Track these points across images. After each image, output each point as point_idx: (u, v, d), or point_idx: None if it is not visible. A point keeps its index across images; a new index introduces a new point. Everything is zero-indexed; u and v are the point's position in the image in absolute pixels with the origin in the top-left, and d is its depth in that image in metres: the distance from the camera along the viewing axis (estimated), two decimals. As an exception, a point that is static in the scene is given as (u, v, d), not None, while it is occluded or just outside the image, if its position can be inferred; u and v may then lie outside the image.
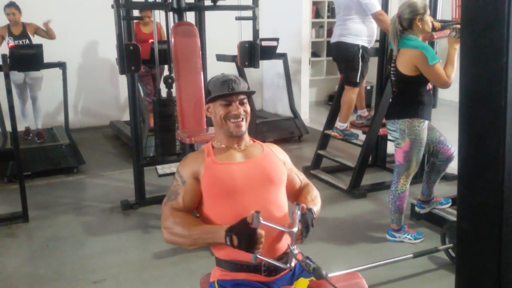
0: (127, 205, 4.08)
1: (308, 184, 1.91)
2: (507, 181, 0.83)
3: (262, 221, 1.52)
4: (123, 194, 4.29)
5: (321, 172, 4.88)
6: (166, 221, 1.68)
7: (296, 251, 1.60)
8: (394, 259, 2.81)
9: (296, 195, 1.87)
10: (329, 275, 1.57)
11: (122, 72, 3.61)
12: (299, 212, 1.61)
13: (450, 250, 3.03)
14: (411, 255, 2.87)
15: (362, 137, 4.61)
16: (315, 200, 1.81)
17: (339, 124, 4.76)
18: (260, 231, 1.51)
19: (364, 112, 4.90)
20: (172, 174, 3.97)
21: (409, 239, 3.35)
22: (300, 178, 1.91)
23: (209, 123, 3.98)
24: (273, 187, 1.74)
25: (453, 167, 3.80)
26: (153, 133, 4.60)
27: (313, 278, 1.59)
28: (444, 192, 3.91)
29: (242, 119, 1.76)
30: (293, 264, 1.61)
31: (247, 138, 1.83)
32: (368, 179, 4.57)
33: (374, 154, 5.03)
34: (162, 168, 4.11)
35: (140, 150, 4.21)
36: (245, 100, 1.78)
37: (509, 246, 0.85)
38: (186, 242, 1.65)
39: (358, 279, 1.60)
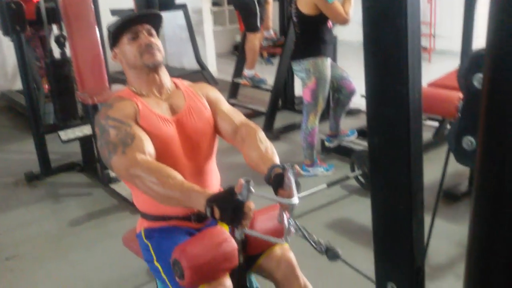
0: (32, 176, 3.81)
1: (248, 125, 1.63)
2: (412, 94, 0.86)
3: (253, 192, 1.25)
4: (26, 166, 3.99)
5: (233, 120, 4.91)
6: (135, 168, 1.39)
7: (292, 224, 1.31)
8: (310, 190, 2.96)
9: (234, 135, 1.63)
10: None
11: (5, 33, 3.26)
12: (293, 178, 1.30)
13: (359, 177, 3.26)
14: (325, 185, 3.04)
15: (271, 81, 4.68)
16: (271, 149, 1.55)
17: (247, 72, 4.77)
18: (249, 204, 1.25)
19: (270, 33, 4.95)
20: (78, 139, 3.76)
21: (322, 171, 3.55)
22: (236, 118, 1.66)
23: (112, 80, 3.79)
24: (201, 144, 1.63)
25: (356, 103, 4.03)
26: (50, 99, 4.27)
27: (277, 241, 1.43)
28: (350, 125, 4.14)
29: (155, 49, 1.58)
30: (288, 239, 1.32)
31: (167, 82, 1.65)
32: (280, 121, 4.70)
33: (283, 98, 5.15)
34: (66, 134, 3.86)
35: (39, 118, 3.90)
36: (153, 32, 1.62)
37: (417, 156, 0.90)
38: (159, 196, 1.38)
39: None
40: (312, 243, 1.31)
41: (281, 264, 1.58)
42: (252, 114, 4.97)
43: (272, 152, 1.52)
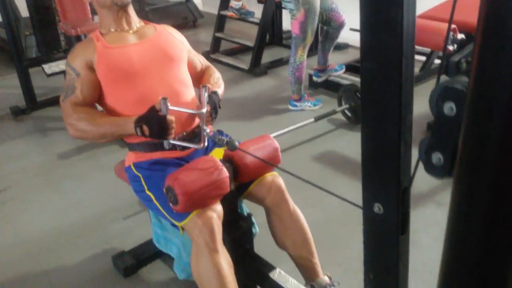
0: (18, 111, 3.77)
1: (209, 67, 1.88)
2: (406, 19, 0.86)
3: (170, 107, 1.49)
4: (11, 100, 3.93)
5: (221, 55, 4.83)
6: (69, 118, 1.60)
7: (207, 130, 1.60)
8: (298, 124, 2.99)
9: (198, 78, 1.84)
10: (241, 141, 1.64)
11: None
12: (206, 94, 1.59)
13: (346, 111, 3.30)
14: (313, 119, 3.08)
15: (258, 15, 4.56)
16: (218, 82, 1.80)
17: (234, 3, 4.62)
18: (170, 117, 1.48)
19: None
20: (62, 72, 3.68)
21: (309, 106, 3.57)
22: (200, 60, 1.86)
23: (94, 11, 3.66)
24: (174, 65, 1.70)
25: (345, 37, 3.98)
26: (32, 32, 4.12)
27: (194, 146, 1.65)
28: (338, 60, 4.12)
29: None
30: (206, 144, 1.62)
31: (135, 17, 1.73)
32: (267, 57, 4.64)
33: (271, 32, 5.06)
34: (50, 67, 3.78)
35: (21, 51, 3.79)
36: None
37: (408, 80, 0.92)
38: (94, 136, 1.60)
39: (269, 140, 1.68)
40: (216, 140, 1.58)
41: (271, 190, 1.64)
42: (239, 49, 4.90)
43: (217, 79, 1.81)
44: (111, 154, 3.02)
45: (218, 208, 1.52)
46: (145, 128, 1.49)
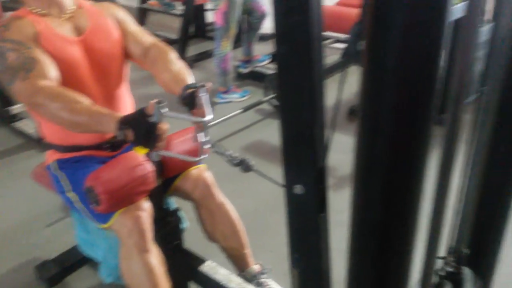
0: None
1: (160, 47, 1.55)
2: (313, 2, 0.87)
3: (165, 113, 1.19)
4: None
5: (143, 50, 4.70)
6: (36, 95, 1.29)
7: (207, 141, 1.28)
8: (226, 116, 2.98)
9: (144, 58, 1.55)
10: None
11: None
12: (206, 95, 1.26)
13: (272, 100, 3.34)
14: (241, 110, 3.09)
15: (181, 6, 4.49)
16: (186, 69, 1.49)
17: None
18: (163, 125, 1.20)
19: None
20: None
21: (237, 97, 3.58)
22: (145, 39, 1.58)
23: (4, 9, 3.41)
24: (112, 64, 1.55)
25: (269, 27, 4.01)
26: None
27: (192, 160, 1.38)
28: (263, 50, 4.15)
29: None
30: (205, 156, 1.30)
31: (68, 1, 1.50)
32: (193, 50, 4.58)
33: (195, 25, 5.00)
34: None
35: None
36: None
37: (318, 63, 0.93)
38: (66, 123, 1.30)
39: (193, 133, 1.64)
40: (228, 157, 1.32)
41: (198, 184, 1.62)
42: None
43: (185, 72, 1.45)
44: (29, 160, 2.84)
45: (145, 206, 1.47)
46: (130, 133, 1.19)
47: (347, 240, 0.76)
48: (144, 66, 1.58)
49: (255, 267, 1.66)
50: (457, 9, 2.48)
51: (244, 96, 3.60)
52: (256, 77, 3.83)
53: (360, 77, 0.62)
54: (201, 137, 1.26)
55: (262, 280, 1.64)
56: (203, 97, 1.26)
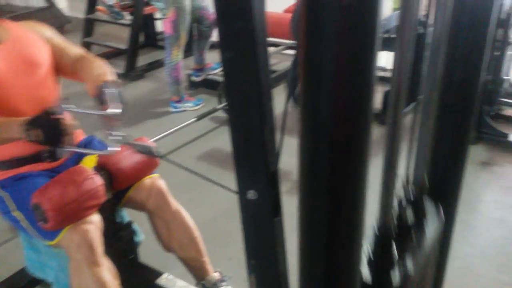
0: None
1: (87, 57, 1.58)
2: (255, 8, 0.88)
3: (70, 109, 1.25)
4: None
5: (92, 61, 4.58)
6: None
7: (117, 135, 1.32)
8: (181, 125, 2.95)
9: (73, 69, 1.57)
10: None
11: None
12: (113, 90, 1.32)
13: (226, 108, 3.32)
14: (195, 118, 3.07)
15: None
16: (109, 72, 1.49)
17: (106, -1, 4.40)
18: (67, 120, 1.25)
19: None
20: None
21: (191, 106, 3.55)
22: (73, 51, 1.60)
23: None
24: (38, 70, 1.50)
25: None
26: None
27: (101, 153, 1.52)
28: (215, 58, 4.14)
29: None
30: (119, 149, 1.35)
31: None
32: (143, 59, 4.51)
33: (145, 34, 4.93)
34: None
35: None
36: None
37: (264, 67, 0.94)
38: None
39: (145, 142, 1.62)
40: (138, 149, 1.36)
41: (151, 193, 1.59)
42: (112, 53, 4.69)
43: (105, 74, 1.45)
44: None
45: (94, 219, 1.42)
46: (36, 132, 1.24)
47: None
48: (74, 77, 1.58)
49: (215, 275, 1.65)
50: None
51: (198, 105, 3.57)
52: (209, 85, 3.81)
53: (300, 80, 0.63)
54: (110, 131, 1.31)
55: (222, 287, 1.62)
56: (109, 92, 1.32)
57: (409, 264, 0.95)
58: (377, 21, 0.57)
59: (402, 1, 0.68)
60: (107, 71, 1.48)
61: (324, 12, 0.56)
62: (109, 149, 1.31)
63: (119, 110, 1.30)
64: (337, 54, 0.56)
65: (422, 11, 1.01)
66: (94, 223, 1.41)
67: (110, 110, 1.29)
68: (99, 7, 4.44)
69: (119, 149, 1.34)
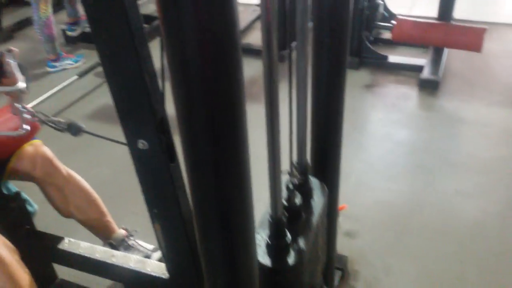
0: None
1: None
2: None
3: None
4: None
5: None
6: None
7: (26, 111, 1.20)
8: (62, 85, 2.75)
9: None
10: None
11: None
12: (14, 62, 1.19)
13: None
14: (76, 76, 2.86)
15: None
16: None
17: None
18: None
19: None
20: None
21: (70, 63, 3.30)
22: None
23: None
24: None
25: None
26: None
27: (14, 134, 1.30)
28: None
29: None
30: (28, 127, 1.22)
31: None
32: (9, 19, 4.07)
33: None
34: None
35: None
36: None
37: (135, 8, 0.88)
38: None
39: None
40: (52, 124, 1.23)
41: (36, 161, 1.47)
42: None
43: None
44: None
45: None
46: None
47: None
48: None
49: (121, 232, 1.61)
50: None
51: (78, 61, 3.33)
52: (88, 39, 3.54)
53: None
54: (18, 107, 1.18)
55: (130, 242, 1.60)
56: (11, 64, 1.18)
57: (302, 242, 1.03)
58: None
59: None
60: None
61: None
62: (24, 127, 1.19)
63: (23, 84, 1.17)
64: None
65: None
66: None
67: (14, 87, 1.16)
68: None
69: (28, 127, 1.20)
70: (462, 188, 2.09)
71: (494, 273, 1.68)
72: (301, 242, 1.03)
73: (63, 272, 1.66)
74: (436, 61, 3.08)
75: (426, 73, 2.96)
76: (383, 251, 1.79)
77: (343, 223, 1.85)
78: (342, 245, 1.77)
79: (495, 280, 1.65)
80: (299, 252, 1.01)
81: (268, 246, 1.01)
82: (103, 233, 1.60)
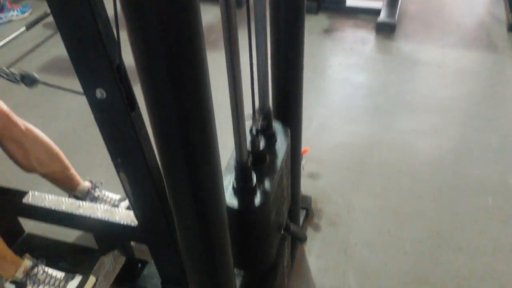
0: None
1: None
2: None
3: None
4: None
5: None
6: None
7: None
8: (9, 38, 2.60)
9: None
10: None
11: None
12: None
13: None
14: (24, 28, 2.71)
15: None
16: None
17: None
18: None
19: None
20: None
21: (17, 15, 3.11)
22: None
23: None
24: None
25: None
26: None
27: None
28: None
29: None
30: None
31: None
32: None
33: None
34: None
35: None
36: None
37: None
38: None
39: None
40: (5, 75, 1.17)
41: None
42: None
43: None
44: None
45: None
46: None
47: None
48: None
49: (86, 184, 1.60)
50: None
51: (25, 12, 3.14)
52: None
53: None
54: None
55: (96, 194, 1.59)
56: None
57: (267, 184, 1.04)
58: None
59: None
60: None
61: None
62: None
63: None
64: None
65: None
66: None
67: None
68: None
69: None
70: (418, 127, 2.17)
71: (449, 205, 1.79)
72: (267, 184, 1.06)
73: (30, 226, 1.65)
74: (392, 4, 3.09)
75: (382, 17, 2.98)
76: (344, 190, 1.86)
77: (307, 165, 1.90)
78: (306, 186, 1.83)
79: (450, 211, 1.76)
80: (264, 194, 1.04)
81: (234, 189, 1.03)
82: (68, 186, 1.59)
